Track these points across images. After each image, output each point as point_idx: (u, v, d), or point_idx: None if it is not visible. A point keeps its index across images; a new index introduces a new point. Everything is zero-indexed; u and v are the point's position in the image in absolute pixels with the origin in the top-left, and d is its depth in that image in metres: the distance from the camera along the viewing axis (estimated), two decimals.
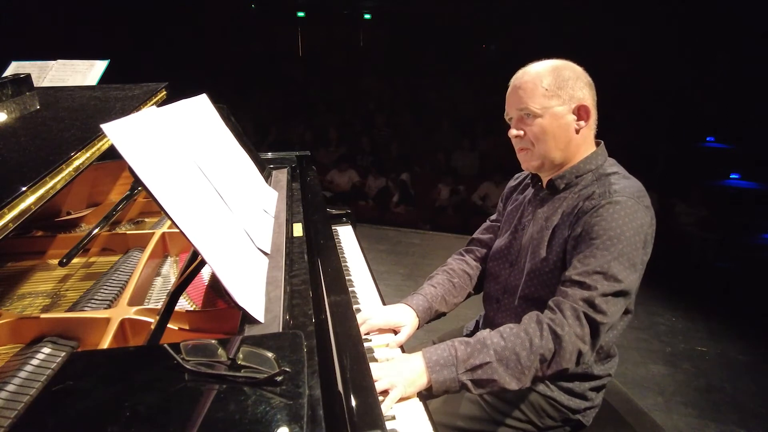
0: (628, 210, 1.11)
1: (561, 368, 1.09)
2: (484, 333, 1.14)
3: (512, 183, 1.54)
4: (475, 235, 1.61)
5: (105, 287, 1.26)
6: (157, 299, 1.29)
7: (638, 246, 1.11)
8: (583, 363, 1.11)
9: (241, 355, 0.67)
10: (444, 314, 1.49)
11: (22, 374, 0.94)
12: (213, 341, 0.68)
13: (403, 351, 1.30)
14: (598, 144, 1.29)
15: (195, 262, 1.04)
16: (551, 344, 1.07)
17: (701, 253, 5.22)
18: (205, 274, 1.30)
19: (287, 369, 0.67)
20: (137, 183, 1.00)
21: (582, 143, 1.24)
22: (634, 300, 1.20)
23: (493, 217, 1.59)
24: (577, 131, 1.22)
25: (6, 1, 7.09)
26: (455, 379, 1.09)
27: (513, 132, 1.27)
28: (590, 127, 1.24)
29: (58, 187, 0.96)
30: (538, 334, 1.08)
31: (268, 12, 12.27)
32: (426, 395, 1.11)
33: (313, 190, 1.84)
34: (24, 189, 0.87)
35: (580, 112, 1.21)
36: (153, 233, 1.48)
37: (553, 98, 1.19)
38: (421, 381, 1.09)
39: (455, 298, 1.50)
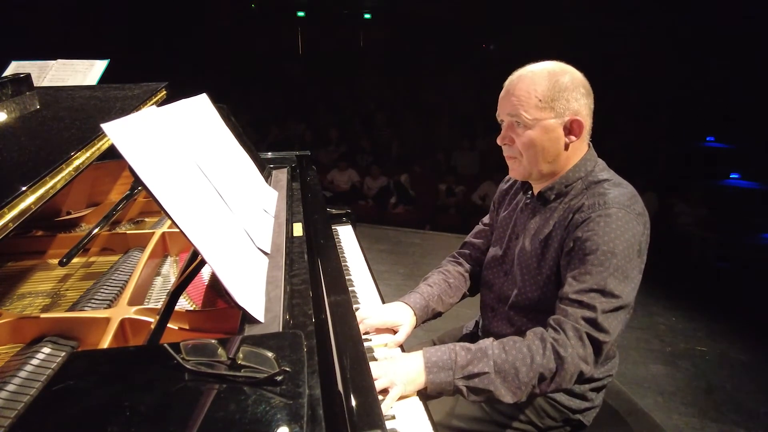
0: (619, 222, 1.09)
1: (559, 387, 1.08)
2: (487, 342, 1.13)
3: (503, 186, 1.51)
4: (467, 239, 1.61)
5: (105, 287, 1.26)
6: (157, 299, 1.29)
7: (633, 257, 1.09)
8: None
9: (241, 355, 0.67)
10: (440, 314, 1.49)
11: (22, 374, 0.94)
12: (213, 341, 0.68)
13: (403, 350, 1.30)
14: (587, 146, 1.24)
15: (195, 262, 1.04)
16: (552, 364, 1.06)
17: (701, 253, 5.22)
18: (205, 273, 1.30)
19: (287, 369, 0.67)
20: (137, 183, 1.00)
21: (572, 154, 1.21)
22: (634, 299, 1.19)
23: (486, 220, 1.58)
24: (567, 146, 1.19)
25: (6, 1, 7.09)
26: (451, 383, 1.08)
27: (500, 140, 1.24)
28: (582, 139, 1.20)
29: (58, 186, 0.96)
30: (541, 352, 1.07)
31: (268, 12, 12.28)
32: (424, 395, 1.11)
33: (313, 189, 1.84)
34: (24, 189, 0.87)
35: (573, 126, 1.16)
36: (153, 233, 1.48)
37: (546, 110, 1.15)
38: (420, 380, 1.09)
39: (451, 298, 1.50)
